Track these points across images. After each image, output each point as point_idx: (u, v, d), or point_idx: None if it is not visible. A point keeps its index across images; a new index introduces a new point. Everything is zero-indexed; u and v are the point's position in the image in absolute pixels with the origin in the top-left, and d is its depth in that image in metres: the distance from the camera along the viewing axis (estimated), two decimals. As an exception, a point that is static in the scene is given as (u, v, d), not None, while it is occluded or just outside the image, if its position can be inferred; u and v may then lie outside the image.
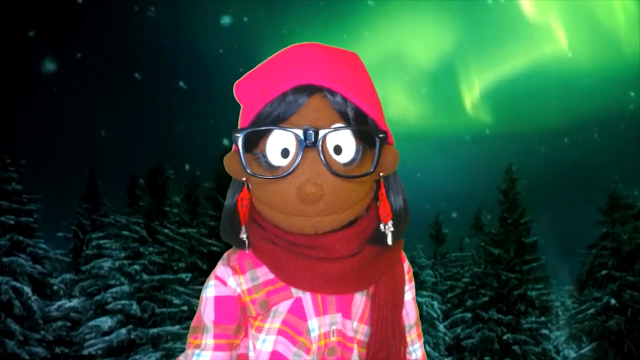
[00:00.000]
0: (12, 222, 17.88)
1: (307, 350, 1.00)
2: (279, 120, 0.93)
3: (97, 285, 17.83)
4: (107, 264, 17.53)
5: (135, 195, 20.01)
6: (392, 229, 1.00)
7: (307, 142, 0.90)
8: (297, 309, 1.00)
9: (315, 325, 1.00)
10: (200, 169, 22.90)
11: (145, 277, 17.27)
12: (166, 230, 18.39)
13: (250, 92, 1.00)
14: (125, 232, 18.01)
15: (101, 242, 18.29)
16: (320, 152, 0.90)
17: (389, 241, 0.99)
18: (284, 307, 1.00)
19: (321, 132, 0.90)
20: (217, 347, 1.01)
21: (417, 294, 1.22)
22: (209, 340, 1.02)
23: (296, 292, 1.00)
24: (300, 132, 0.90)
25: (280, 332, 1.00)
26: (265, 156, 0.94)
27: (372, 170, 0.95)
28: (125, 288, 17.19)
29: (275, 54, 1.02)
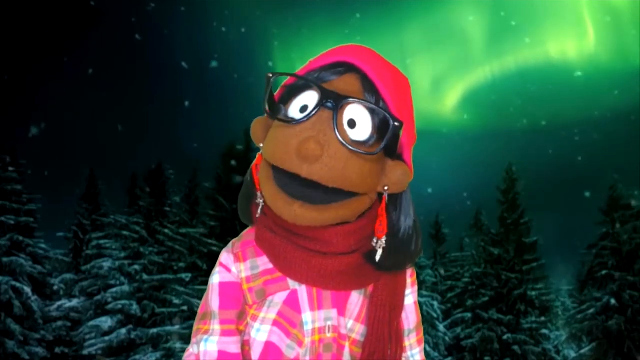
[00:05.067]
0: (12, 222, 17.90)
1: (300, 344, 1.00)
2: (311, 82, 0.96)
3: (97, 285, 17.83)
4: (107, 264, 17.54)
5: (135, 195, 19.99)
6: (384, 245, 0.98)
7: (326, 101, 0.92)
8: (292, 301, 1.00)
9: (309, 319, 1.00)
10: (200, 169, 22.86)
11: (145, 277, 17.27)
12: (166, 230, 18.39)
13: (301, 69, 1.05)
14: (125, 232, 18.01)
15: (101, 242, 18.30)
16: (335, 116, 0.91)
17: (377, 257, 0.97)
18: (279, 298, 1.01)
19: (342, 97, 0.92)
20: (223, 333, 1.02)
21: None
22: (215, 325, 1.03)
23: (293, 284, 1.01)
24: (322, 90, 0.93)
25: (275, 323, 1.00)
26: (286, 110, 0.97)
27: (376, 151, 0.93)
28: (125, 288, 17.20)
29: None
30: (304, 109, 0.94)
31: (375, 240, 0.98)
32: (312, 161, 0.89)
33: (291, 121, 0.92)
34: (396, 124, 0.93)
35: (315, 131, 0.90)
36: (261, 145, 1.01)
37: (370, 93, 0.96)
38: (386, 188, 0.97)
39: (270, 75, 0.96)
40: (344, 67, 0.97)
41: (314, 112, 0.91)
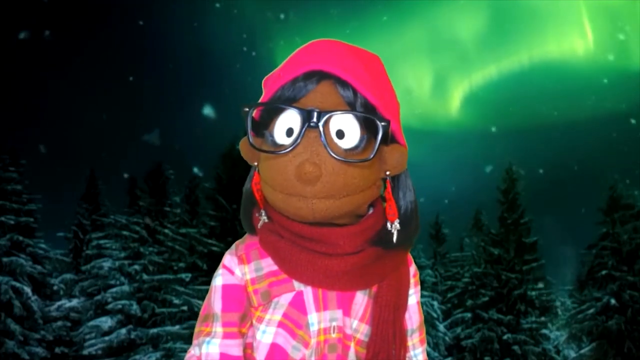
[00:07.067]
0: (12, 222, 17.88)
1: (306, 345, 1.00)
2: (288, 102, 0.96)
3: (97, 285, 17.81)
4: (107, 264, 17.53)
5: (135, 195, 19.98)
6: (398, 227, 1.00)
7: (310, 121, 0.91)
8: (298, 303, 1.01)
9: (314, 320, 1.00)
10: (200, 169, 22.89)
11: (145, 277, 17.26)
12: (166, 230, 18.38)
13: (269, 80, 1.04)
14: (125, 232, 18.00)
15: (101, 242, 18.28)
16: (322, 133, 0.91)
17: (394, 239, 1.00)
18: (285, 299, 1.01)
19: (324, 113, 0.92)
20: (225, 335, 1.02)
21: (416, 294, 1.21)
22: (218, 328, 1.03)
23: (298, 286, 1.01)
24: (303, 111, 0.92)
25: (280, 325, 1.01)
26: (272, 135, 0.97)
27: (371, 156, 0.94)
28: (125, 288, 17.19)
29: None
30: (289, 132, 0.94)
31: (389, 225, 1.00)
32: (313, 183, 0.90)
33: (281, 150, 0.93)
34: (383, 123, 0.94)
35: (308, 153, 0.91)
36: (255, 163, 1.02)
37: (349, 93, 0.96)
38: (387, 173, 0.99)
39: (247, 109, 0.97)
40: (317, 76, 0.96)
41: (301, 136, 0.92)
